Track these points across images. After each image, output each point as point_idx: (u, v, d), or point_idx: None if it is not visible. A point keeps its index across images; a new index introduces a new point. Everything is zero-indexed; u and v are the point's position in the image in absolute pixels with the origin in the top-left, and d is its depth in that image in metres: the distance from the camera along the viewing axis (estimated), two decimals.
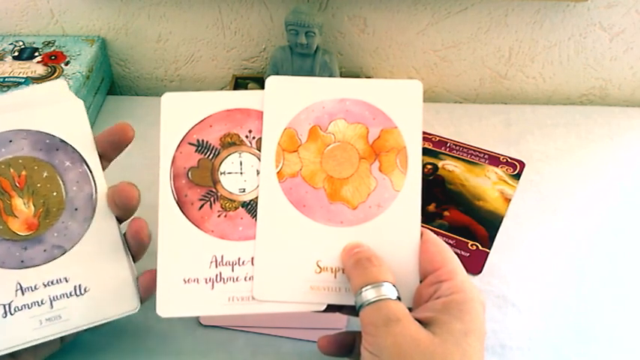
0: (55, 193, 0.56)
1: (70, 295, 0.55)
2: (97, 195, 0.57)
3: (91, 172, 0.57)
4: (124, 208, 0.57)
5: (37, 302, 0.54)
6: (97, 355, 0.61)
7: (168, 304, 0.54)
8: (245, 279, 0.54)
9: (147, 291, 0.56)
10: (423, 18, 0.87)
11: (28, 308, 0.54)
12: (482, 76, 0.94)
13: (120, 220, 0.57)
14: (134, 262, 0.58)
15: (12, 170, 0.55)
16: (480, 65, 0.92)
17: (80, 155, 0.57)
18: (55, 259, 0.55)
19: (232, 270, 0.55)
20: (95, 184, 0.57)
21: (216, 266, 0.55)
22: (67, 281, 0.55)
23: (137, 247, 0.57)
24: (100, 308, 0.56)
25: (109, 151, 0.58)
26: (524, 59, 0.91)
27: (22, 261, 0.54)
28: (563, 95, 0.95)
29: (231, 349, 0.62)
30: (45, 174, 0.56)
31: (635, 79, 0.93)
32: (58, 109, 0.57)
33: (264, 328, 0.63)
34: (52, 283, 0.55)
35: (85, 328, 0.55)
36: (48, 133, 0.56)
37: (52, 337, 0.54)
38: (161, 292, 0.55)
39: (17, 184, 0.55)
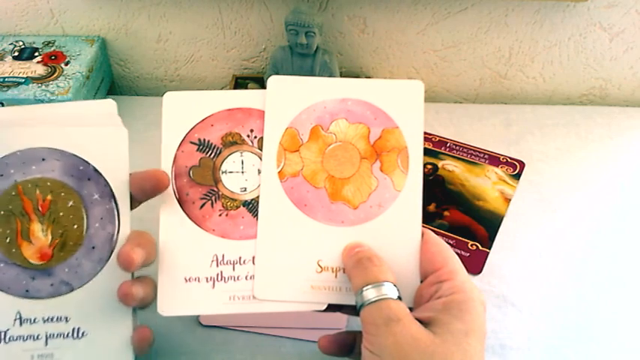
0: (75, 226, 0.53)
1: (67, 336, 0.53)
2: (117, 237, 0.54)
3: (117, 210, 0.54)
4: (151, 192, 0.55)
5: (33, 336, 0.52)
6: None
7: (169, 303, 0.54)
8: (246, 278, 0.54)
9: (140, 347, 0.54)
10: (423, 18, 0.87)
11: (23, 340, 0.52)
12: (482, 76, 0.94)
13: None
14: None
15: (38, 192, 0.53)
16: (480, 65, 0.92)
17: (111, 190, 0.54)
18: (60, 295, 0.53)
19: (233, 269, 0.55)
20: (119, 224, 0.54)
21: (217, 265, 0.55)
22: (66, 321, 0.53)
23: (137, 349, 0.54)
24: (92, 357, 0.53)
25: (139, 195, 0.55)
26: (524, 59, 0.91)
27: (27, 290, 0.53)
28: (563, 95, 0.95)
29: (231, 349, 0.62)
30: (70, 203, 0.53)
31: (635, 79, 0.93)
32: (98, 134, 0.54)
33: (264, 328, 0.63)
34: (51, 319, 0.53)
35: None
36: (83, 159, 0.54)
37: None
38: (162, 290, 0.54)
39: (40, 208, 0.53)
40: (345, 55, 0.91)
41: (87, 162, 0.54)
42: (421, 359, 0.45)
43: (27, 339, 0.52)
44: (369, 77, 0.94)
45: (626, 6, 0.84)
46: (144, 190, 0.55)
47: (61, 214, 0.53)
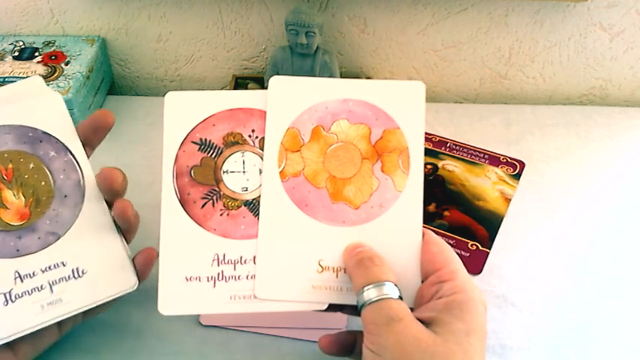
0: (43, 183, 0.57)
1: (69, 278, 0.56)
2: (84, 181, 0.58)
3: (76, 159, 0.58)
4: (109, 192, 0.58)
5: (37, 288, 0.55)
6: (97, 355, 0.61)
7: (170, 302, 0.54)
8: (247, 278, 0.55)
9: (144, 269, 0.58)
10: (423, 18, 0.87)
11: (29, 294, 0.55)
12: (482, 76, 0.94)
13: (110, 204, 0.59)
14: (127, 242, 0.59)
15: None
16: (480, 65, 0.92)
17: (64, 145, 0.58)
18: (50, 245, 0.56)
19: (234, 268, 0.55)
20: (82, 170, 0.58)
21: (218, 265, 0.55)
22: (64, 265, 0.56)
23: (125, 226, 0.58)
24: (100, 288, 0.57)
25: (91, 138, 0.60)
26: (525, 59, 0.91)
27: (17, 250, 0.55)
28: (563, 95, 0.96)
29: (231, 349, 0.62)
30: (31, 165, 0.57)
31: (635, 79, 0.93)
32: (38, 103, 0.59)
33: (265, 328, 0.63)
34: (49, 268, 0.56)
35: (86, 308, 0.56)
36: (30, 127, 0.58)
37: (55, 320, 0.55)
38: (163, 290, 0.55)
39: (5, 177, 0.56)
40: (345, 55, 0.91)
41: (34, 128, 0.58)
42: (422, 359, 0.45)
43: (32, 292, 0.55)
44: (370, 77, 0.94)
45: (626, 6, 0.85)
46: (94, 132, 0.60)
47: (26, 176, 0.57)
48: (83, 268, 0.56)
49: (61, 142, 0.58)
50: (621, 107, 0.93)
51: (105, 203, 0.58)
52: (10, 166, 0.56)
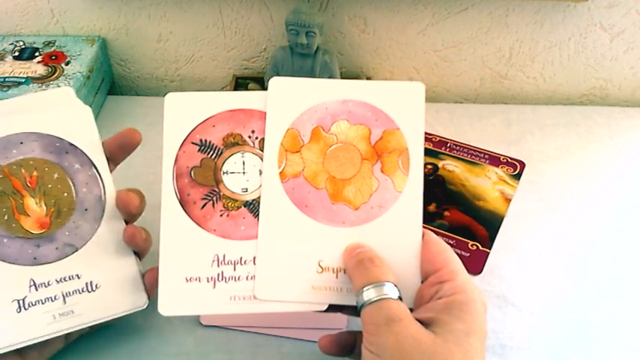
0: (65, 194, 0.57)
1: (82, 291, 0.57)
2: (105, 196, 0.59)
3: (99, 174, 0.59)
4: (126, 213, 0.59)
5: (51, 298, 0.56)
6: (97, 355, 0.61)
7: (170, 303, 0.54)
8: (247, 278, 0.55)
9: (152, 288, 0.58)
10: (424, 18, 0.87)
11: (42, 304, 0.55)
12: (482, 76, 0.94)
13: (127, 222, 0.59)
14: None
15: (23, 171, 0.57)
16: (480, 65, 0.92)
17: (89, 158, 0.58)
18: (66, 256, 0.57)
19: (234, 269, 0.55)
20: (104, 186, 0.59)
21: (218, 265, 0.55)
22: (78, 278, 0.57)
23: (137, 249, 0.59)
24: (111, 304, 0.57)
25: (116, 154, 0.60)
26: (525, 59, 0.91)
27: (34, 258, 0.56)
28: (564, 95, 0.96)
29: (231, 349, 0.62)
30: (55, 175, 0.57)
31: (636, 79, 0.93)
32: (67, 114, 0.59)
33: (265, 328, 0.63)
34: (64, 279, 0.56)
35: (96, 322, 0.57)
36: (58, 137, 0.58)
37: (65, 332, 0.56)
38: (163, 290, 0.55)
39: (29, 184, 0.56)
40: (345, 55, 0.91)
41: (61, 138, 0.58)
42: (422, 359, 0.45)
43: (45, 301, 0.56)
44: (370, 77, 0.94)
45: (626, 6, 0.85)
46: (120, 149, 0.60)
47: (50, 185, 0.57)
48: (97, 282, 0.57)
49: (86, 155, 0.58)
50: (621, 107, 0.93)
51: (123, 221, 0.59)
52: (35, 174, 0.57)
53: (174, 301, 0.54)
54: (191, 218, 0.55)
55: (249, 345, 0.63)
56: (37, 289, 0.55)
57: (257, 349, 0.62)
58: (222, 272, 0.55)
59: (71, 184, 0.58)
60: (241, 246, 0.55)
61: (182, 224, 0.55)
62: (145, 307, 0.58)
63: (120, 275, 0.58)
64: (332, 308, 0.55)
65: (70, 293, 0.56)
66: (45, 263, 0.56)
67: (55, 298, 0.56)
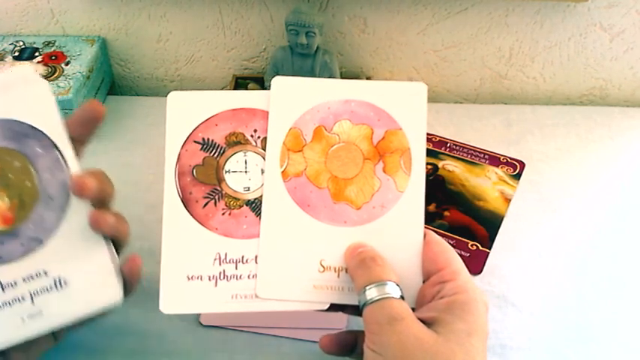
0: (28, 183, 0.53)
1: (50, 289, 0.52)
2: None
3: (63, 157, 0.53)
4: (85, 199, 0.54)
5: (18, 298, 0.51)
6: (97, 355, 0.61)
7: (172, 301, 0.54)
8: (248, 277, 0.54)
9: (132, 279, 0.54)
10: (424, 18, 0.87)
11: (10, 306, 0.51)
12: (482, 76, 0.94)
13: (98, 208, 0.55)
14: (118, 251, 0.55)
15: None
16: (480, 65, 0.92)
17: (51, 140, 0.53)
18: (32, 251, 0.52)
19: (236, 268, 0.55)
20: (69, 169, 0.53)
21: (220, 264, 0.55)
22: (46, 275, 0.52)
23: (109, 236, 0.54)
24: (81, 301, 0.53)
25: (81, 132, 0.55)
26: (525, 59, 0.91)
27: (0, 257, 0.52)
28: (563, 95, 0.96)
29: (231, 349, 0.62)
30: (16, 164, 0.53)
31: (635, 79, 0.93)
32: (23, 93, 0.53)
33: (265, 328, 0.63)
34: (31, 277, 0.52)
35: (67, 324, 0.53)
36: (15, 120, 0.53)
37: (35, 336, 0.51)
38: (164, 288, 0.54)
39: None
40: (345, 55, 0.92)
41: (20, 122, 0.53)
42: (424, 358, 0.45)
43: (13, 303, 0.51)
44: (370, 77, 0.94)
45: (626, 6, 0.85)
46: (84, 125, 0.55)
47: (11, 176, 0.52)
48: (65, 278, 0.52)
49: (47, 136, 0.53)
50: (621, 107, 0.93)
51: (92, 208, 0.54)
52: None
53: (176, 299, 0.54)
54: (193, 217, 0.55)
55: (249, 345, 0.63)
56: (4, 290, 0.51)
57: (257, 349, 0.62)
58: (224, 271, 0.55)
59: (33, 170, 0.52)
60: (243, 245, 0.55)
61: (184, 223, 0.55)
62: (121, 301, 0.53)
63: (90, 268, 0.53)
64: (333, 308, 0.55)
65: (37, 292, 0.52)
66: (10, 261, 0.51)
67: (22, 299, 0.51)
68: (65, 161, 0.53)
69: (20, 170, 0.53)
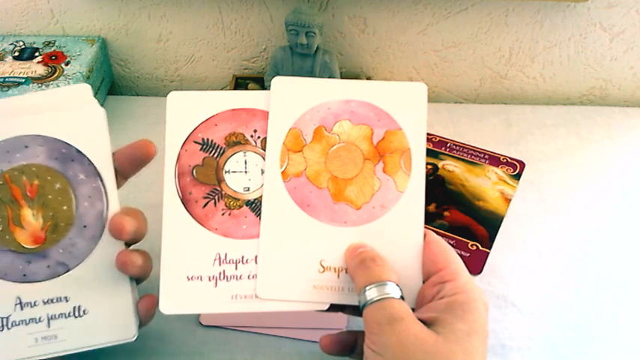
0: (65, 207, 0.54)
1: (69, 315, 0.53)
2: (107, 213, 0.55)
3: (104, 187, 0.55)
4: (140, 161, 0.56)
5: (35, 319, 0.53)
6: (97, 355, 0.61)
7: (171, 301, 0.54)
8: (248, 277, 0.55)
9: (146, 316, 0.56)
10: (424, 18, 0.87)
11: (25, 324, 0.52)
12: (482, 76, 0.94)
13: (128, 244, 0.56)
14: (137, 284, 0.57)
15: (24, 178, 0.53)
16: (480, 65, 0.92)
17: (95, 169, 0.55)
18: (57, 276, 0.53)
19: (236, 268, 0.55)
20: (108, 201, 0.55)
21: (220, 264, 0.55)
22: (66, 301, 0.53)
23: (133, 276, 0.56)
24: (97, 333, 0.54)
25: (126, 167, 0.56)
26: (525, 59, 0.91)
27: (24, 275, 0.53)
28: (563, 95, 0.96)
29: (231, 349, 0.62)
30: (57, 186, 0.54)
31: (635, 79, 0.93)
32: (77, 116, 0.55)
33: (265, 328, 0.63)
34: (51, 301, 0.53)
35: (78, 351, 0.54)
36: (65, 142, 0.54)
37: (44, 357, 0.53)
38: (164, 289, 0.54)
39: (28, 194, 0.53)
40: (345, 55, 0.92)
41: (69, 144, 0.54)
42: (424, 358, 0.45)
43: (29, 322, 0.53)
44: (370, 77, 0.94)
45: (626, 6, 0.85)
46: (132, 162, 0.56)
47: (50, 197, 0.54)
48: (85, 307, 0.54)
49: (93, 165, 0.54)
50: (621, 107, 0.93)
51: (123, 243, 0.55)
52: (36, 182, 0.53)
53: (176, 299, 0.54)
54: (193, 217, 0.55)
55: (249, 345, 0.63)
56: (22, 309, 0.52)
57: (257, 349, 0.62)
58: (224, 271, 0.55)
59: (73, 196, 0.54)
60: (243, 245, 0.55)
61: (184, 223, 0.55)
62: (133, 339, 0.54)
63: (111, 302, 0.54)
64: (333, 308, 0.55)
65: (55, 316, 0.53)
66: (34, 281, 0.53)
67: (39, 320, 0.53)
68: (106, 193, 0.55)
69: (60, 193, 0.54)
